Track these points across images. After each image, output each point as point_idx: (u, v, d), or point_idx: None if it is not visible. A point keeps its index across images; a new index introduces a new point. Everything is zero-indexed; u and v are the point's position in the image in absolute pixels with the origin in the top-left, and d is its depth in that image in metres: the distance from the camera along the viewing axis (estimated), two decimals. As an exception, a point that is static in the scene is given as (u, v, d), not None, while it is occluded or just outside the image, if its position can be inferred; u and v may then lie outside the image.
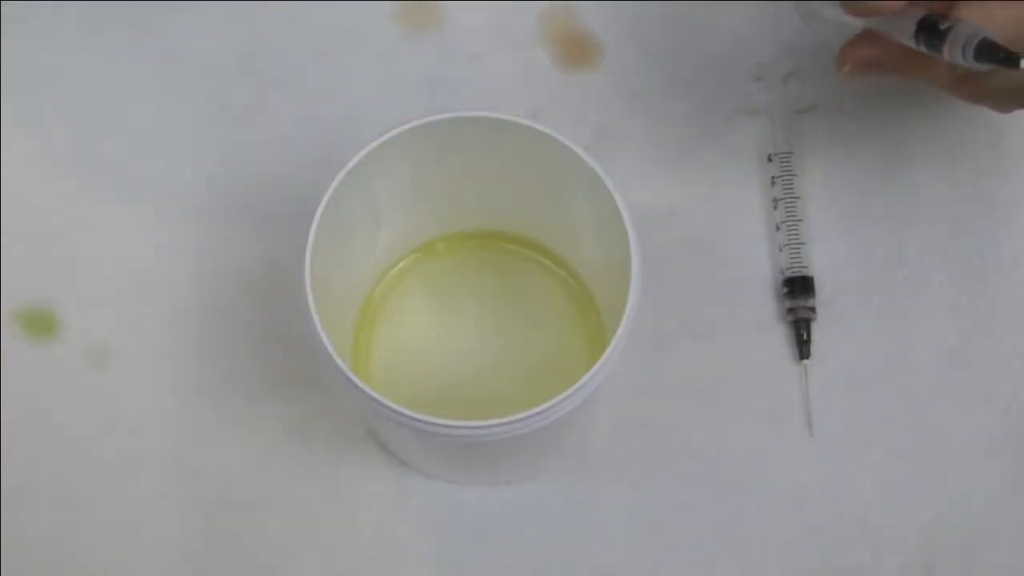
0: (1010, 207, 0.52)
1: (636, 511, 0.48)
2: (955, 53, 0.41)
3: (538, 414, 0.39)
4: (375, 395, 0.39)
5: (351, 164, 0.42)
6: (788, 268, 0.51)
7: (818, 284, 0.51)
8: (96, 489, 0.48)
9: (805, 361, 0.50)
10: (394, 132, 0.42)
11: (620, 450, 0.49)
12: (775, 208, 0.52)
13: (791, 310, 0.50)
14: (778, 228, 0.51)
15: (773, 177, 0.52)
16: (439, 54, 0.54)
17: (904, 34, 0.43)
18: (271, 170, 0.52)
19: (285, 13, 0.54)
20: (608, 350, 0.40)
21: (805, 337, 0.50)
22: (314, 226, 0.41)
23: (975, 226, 0.51)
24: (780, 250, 0.51)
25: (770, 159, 0.52)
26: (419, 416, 0.39)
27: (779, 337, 0.51)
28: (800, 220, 0.51)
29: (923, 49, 0.42)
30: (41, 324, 0.50)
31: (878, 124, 0.53)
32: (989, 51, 0.40)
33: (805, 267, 0.51)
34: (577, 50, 0.54)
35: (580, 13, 0.55)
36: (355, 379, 0.39)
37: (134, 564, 0.47)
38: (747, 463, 0.49)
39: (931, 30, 0.42)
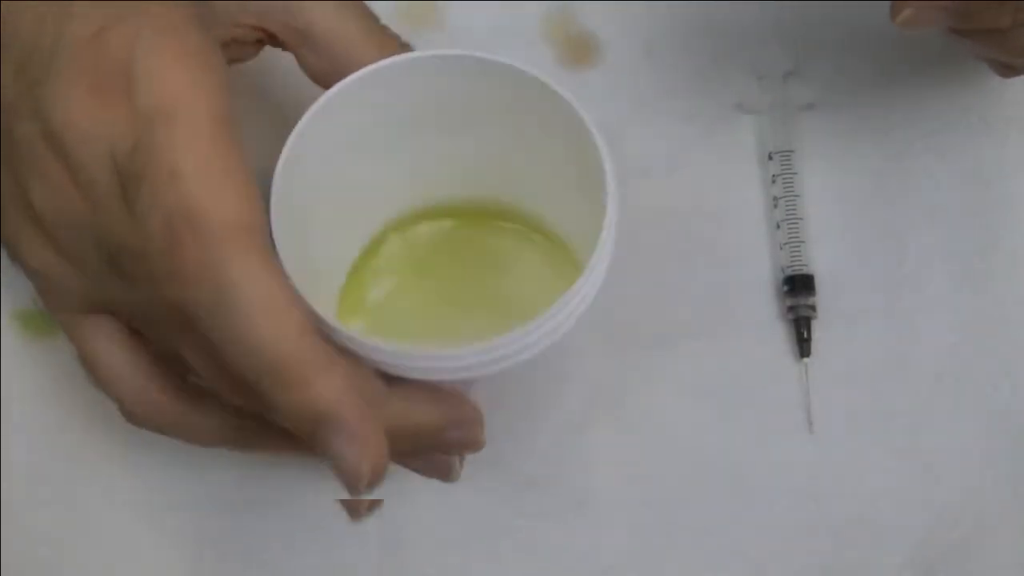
0: (1011, 206, 0.51)
1: (635, 509, 0.48)
2: None
3: (493, 349, 0.37)
4: (344, 329, 0.37)
5: (314, 108, 0.40)
6: (788, 266, 0.51)
7: (819, 282, 0.50)
8: (97, 490, 0.48)
9: (805, 359, 0.50)
10: (356, 76, 0.41)
11: (619, 448, 0.49)
12: (775, 206, 0.52)
13: (791, 308, 0.50)
14: (778, 226, 0.51)
15: (773, 175, 0.52)
16: (440, 53, 0.54)
17: None
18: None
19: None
20: (577, 283, 0.38)
21: (805, 335, 0.50)
22: (280, 164, 0.40)
23: (976, 225, 0.51)
24: (780, 248, 0.51)
25: (770, 157, 0.52)
26: (386, 346, 0.37)
27: (779, 335, 0.50)
28: (800, 218, 0.51)
29: None
30: (41, 323, 0.50)
31: (879, 122, 0.53)
32: None
33: (805, 265, 0.51)
34: (578, 49, 0.54)
35: (580, 12, 0.55)
36: (328, 320, 0.38)
37: (134, 565, 0.47)
38: (747, 461, 0.49)
39: None
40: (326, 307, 0.45)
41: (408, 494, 0.48)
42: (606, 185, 0.39)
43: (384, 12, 0.54)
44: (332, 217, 0.45)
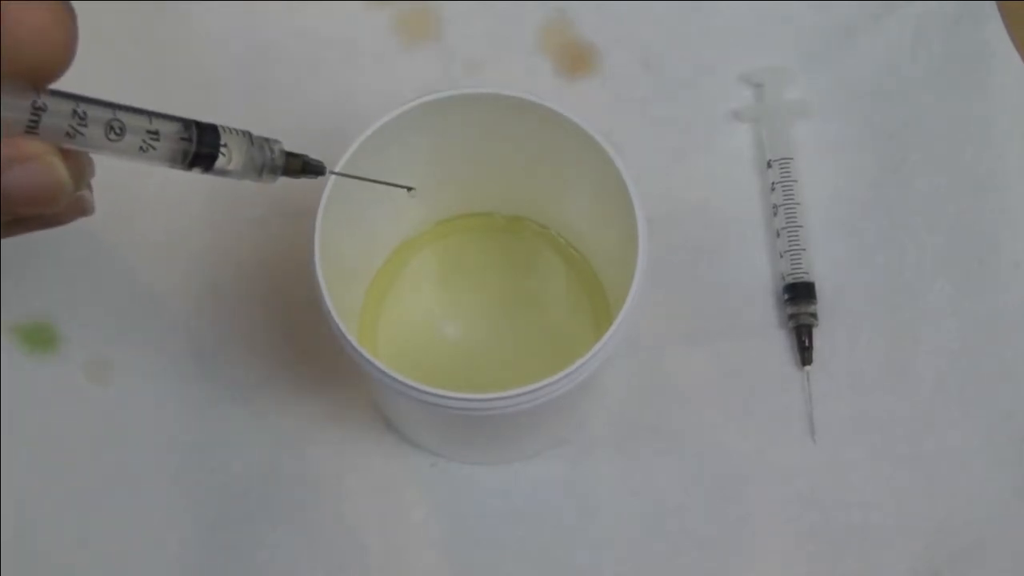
0: (1010, 211, 0.51)
1: (637, 516, 0.48)
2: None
3: (539, 389, 0.39)
4: (378, 364, 0.39)
5: (363, 136, 0.41)
6: (789, 274, 0.51)
7: (819, 290, 0.51)
8: (97, 503, 0.48)
9: (807, 367, 0.50)
10: (408, 106, 0.42)
11: (623, 456, 0.49)
12: (775, 214, 0.52)
13: (792, 316, 0.50)
14: (778, 234, 0.51)
15: (773, 183, 0.52)
16: (439, 64, 0.54)
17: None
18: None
19: (284, 23, 0.54)
20: (611, 329, 0.39)
21: (807, 343, 0.50)
22: (325, 195, 0.41)
23: (975, 231, 0.51)
24: (781, 256, 0.51)
25: (770, 165, 0.52)
26: (419, 386, 0.39)
27: (781, 343, 0.50)
28: (800, 226, 0.51)
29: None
30: (41, 337, 0.50)
31: (878, 129, 0.53)
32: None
33: (806, 273, 0.51)
34: (576, 58, 0.54)
35: (578, 21, 0.55)
36: (357, 345, 0.39)
37: (132, 574, 0.47)
38: (750, 469, 0.49)
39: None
40: (353, 301, 0.48)
41: (408, 500, 0.48)
42: (638, 240, 0.41)
43: (383, 22, 0.54)
44: (371, 223, 0.47)
